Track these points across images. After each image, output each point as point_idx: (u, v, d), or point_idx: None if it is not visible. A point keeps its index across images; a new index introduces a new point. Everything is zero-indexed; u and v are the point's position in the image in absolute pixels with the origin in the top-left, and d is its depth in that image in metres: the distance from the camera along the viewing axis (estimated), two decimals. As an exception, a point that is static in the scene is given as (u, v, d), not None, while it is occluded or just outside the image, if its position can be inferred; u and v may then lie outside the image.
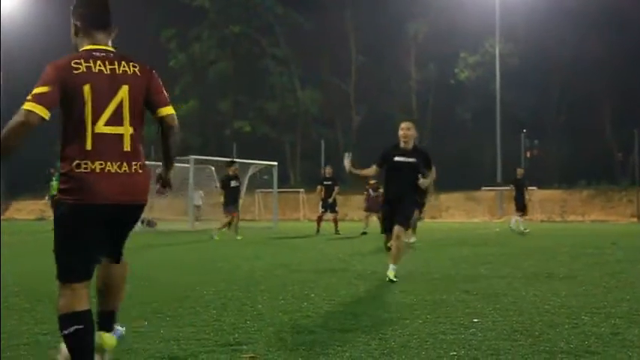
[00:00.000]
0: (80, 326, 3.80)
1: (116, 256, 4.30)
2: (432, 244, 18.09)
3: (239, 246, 17.55)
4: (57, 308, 3.90)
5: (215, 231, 20.95)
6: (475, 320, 6.05)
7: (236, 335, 5.51)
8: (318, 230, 23.17)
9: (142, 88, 3.96)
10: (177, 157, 4.36)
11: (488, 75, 50.46)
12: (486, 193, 46.86)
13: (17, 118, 3.71)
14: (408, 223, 9.59)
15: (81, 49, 3.99)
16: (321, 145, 51.39)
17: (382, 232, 10.03)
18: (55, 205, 3.99)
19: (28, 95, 3.77)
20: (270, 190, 34.08)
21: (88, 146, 3.79)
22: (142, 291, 8.00)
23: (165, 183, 4.46)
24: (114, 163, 3.83)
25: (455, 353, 4.78)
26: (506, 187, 46.13)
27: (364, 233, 22.65)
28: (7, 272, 10.76)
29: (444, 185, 48.76)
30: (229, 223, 21.08)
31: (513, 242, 18.61)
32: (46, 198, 27.97)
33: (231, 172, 21.35)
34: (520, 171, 24.53)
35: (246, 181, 31.38)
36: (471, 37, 51.28)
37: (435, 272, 10.37)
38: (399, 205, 9.44)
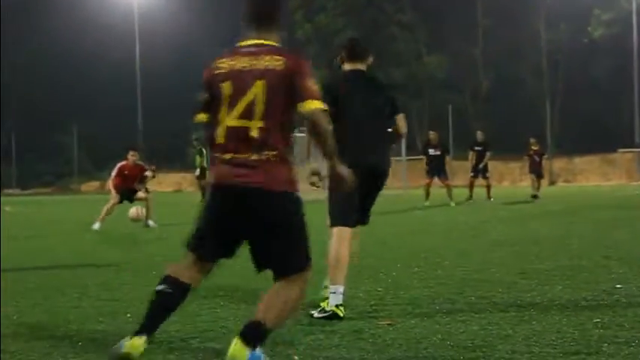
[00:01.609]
0: (166, 289, 3.84)
1: (274, 267, 3.84)
2: (568, 207, 17.57)
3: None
4: None
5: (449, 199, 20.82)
6: (618, 286, 5.84)
7: (372, 302, 5.55)
8: (470, 196, 22.39)
9: (282, 82, 3.82)
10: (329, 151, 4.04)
11: (624, 32, 48.19)
12: (623, 156, 44.98)
13: None
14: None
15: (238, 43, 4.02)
16: (449, 111, 50.69)
17: (336, 224, 5.32)
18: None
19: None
20: (399, 157, 33.90)
21: (221, 140, 3.85)
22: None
23: (337, 180, 4.08)
24: (244, 153, 3.79)
25: (599, 320, 4.64)
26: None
27: (535, 197, 22.34)
28: (150, 242, 11.30)
29: (578, 147, 47.21)
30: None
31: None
32: (197, 172, 27.89)
33: (431, 140, 22.03)
34: None
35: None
36: (606, -8, 49.16)
37: (573, 237, 10.08)
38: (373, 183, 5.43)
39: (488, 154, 22.93)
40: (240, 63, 3.87)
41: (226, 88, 3.84)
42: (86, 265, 8.42)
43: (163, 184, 54.74)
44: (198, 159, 27.92)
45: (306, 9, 60.30)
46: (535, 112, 51.40)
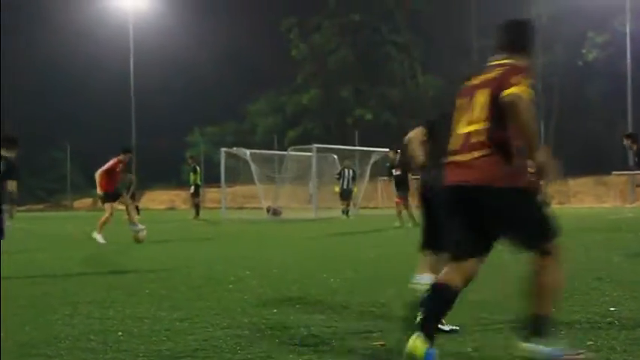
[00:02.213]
0: (431, 295, 4.37)
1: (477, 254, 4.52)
2: (562, 229, 17.52)
3: (361, 235, 17.60)
4: None
5: None
6: (611, 309, 5.84)
7: (365, 322, 5.52)
8: None
9: (500, 86, 4.10)
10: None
11: (618, 55, 48.41)
12: (617, 178, 45.06)
13: None
14: None
15: None
16: (444, 131, 50.88)
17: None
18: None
19: None
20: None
21: (452, 146, 4.31)
22: (271, 278, 8.14)
23: (539, 171, 4.45)
24: (465, 154, 4.20)
25: (592, 342, 4.63)
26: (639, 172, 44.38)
27: None
28: (142, 259, 11.21)
29: (572, 169, 47.32)
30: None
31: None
32: (192, 189, 27.80)
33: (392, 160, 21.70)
34: None
35: (368, 169, 31.39)
36: (599, 15, 49.31)
37: (566, 259, 10.03)
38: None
39: None
40: (480, 78, 4.31)
41: (462, 100, 4.34)
42: (78, 283, 8.38)
43: (156, 201, 54.62)
44: (192, 176, 27.83)
45: (301, 28, 60.47)
46: (529, 134, 51.46)
